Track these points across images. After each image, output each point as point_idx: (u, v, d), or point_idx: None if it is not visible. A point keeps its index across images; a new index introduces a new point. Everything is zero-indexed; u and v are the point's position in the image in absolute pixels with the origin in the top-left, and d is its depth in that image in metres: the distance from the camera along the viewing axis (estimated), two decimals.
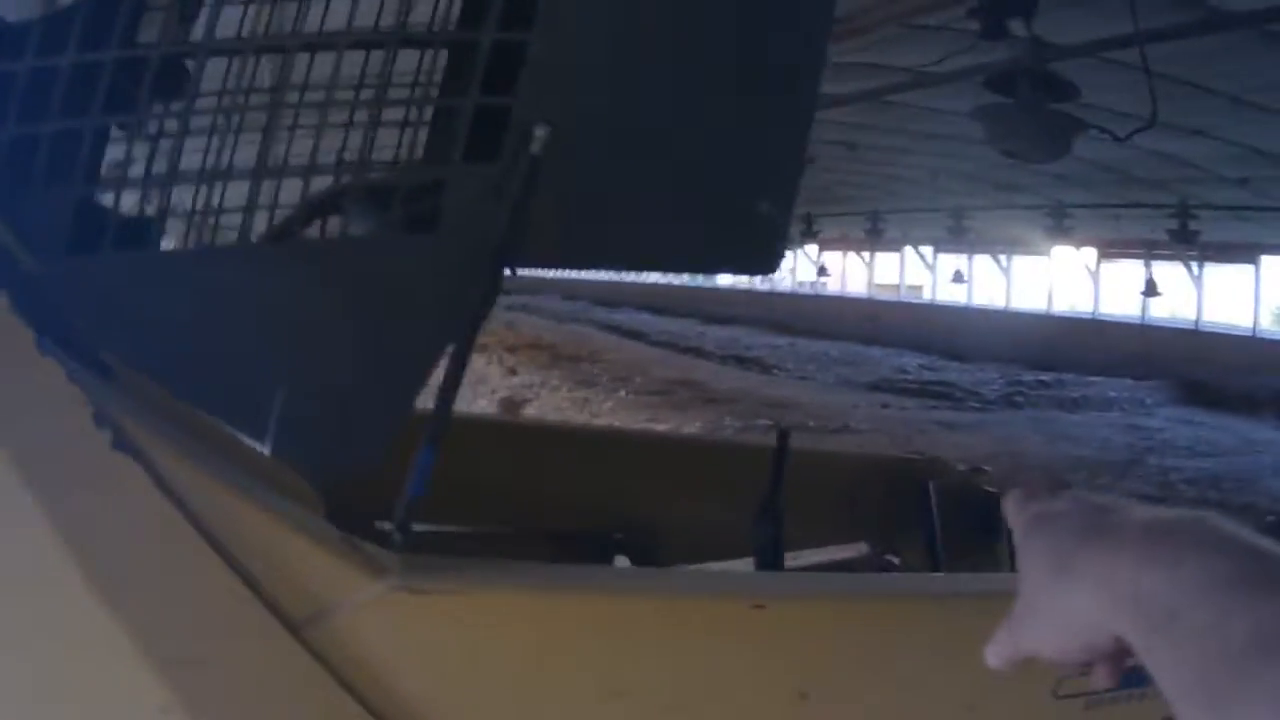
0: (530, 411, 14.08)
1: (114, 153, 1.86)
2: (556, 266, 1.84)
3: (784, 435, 2.88)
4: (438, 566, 1.62)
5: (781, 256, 1.87)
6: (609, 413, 14.29)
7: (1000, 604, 1.01)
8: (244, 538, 1.50)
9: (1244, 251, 20.54)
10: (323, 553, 1.53)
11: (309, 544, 1.53)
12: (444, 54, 2.06)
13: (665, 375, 18.13)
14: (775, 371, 20.27)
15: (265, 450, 1.62)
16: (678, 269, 2.28)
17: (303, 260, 1.81)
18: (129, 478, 1.46)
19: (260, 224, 1.85)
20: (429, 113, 2.12)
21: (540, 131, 1.65)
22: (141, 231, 1.71)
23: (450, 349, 1.70)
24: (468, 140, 1.68)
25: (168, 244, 1.79)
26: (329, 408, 1.68)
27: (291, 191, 1.84)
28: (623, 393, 15.96)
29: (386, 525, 1.68)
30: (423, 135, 2.07)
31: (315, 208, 1.97)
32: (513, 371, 17.42)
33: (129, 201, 1.73)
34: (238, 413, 1.64)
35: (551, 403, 14.95)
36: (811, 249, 31.37)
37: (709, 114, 1.79)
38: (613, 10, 1.74)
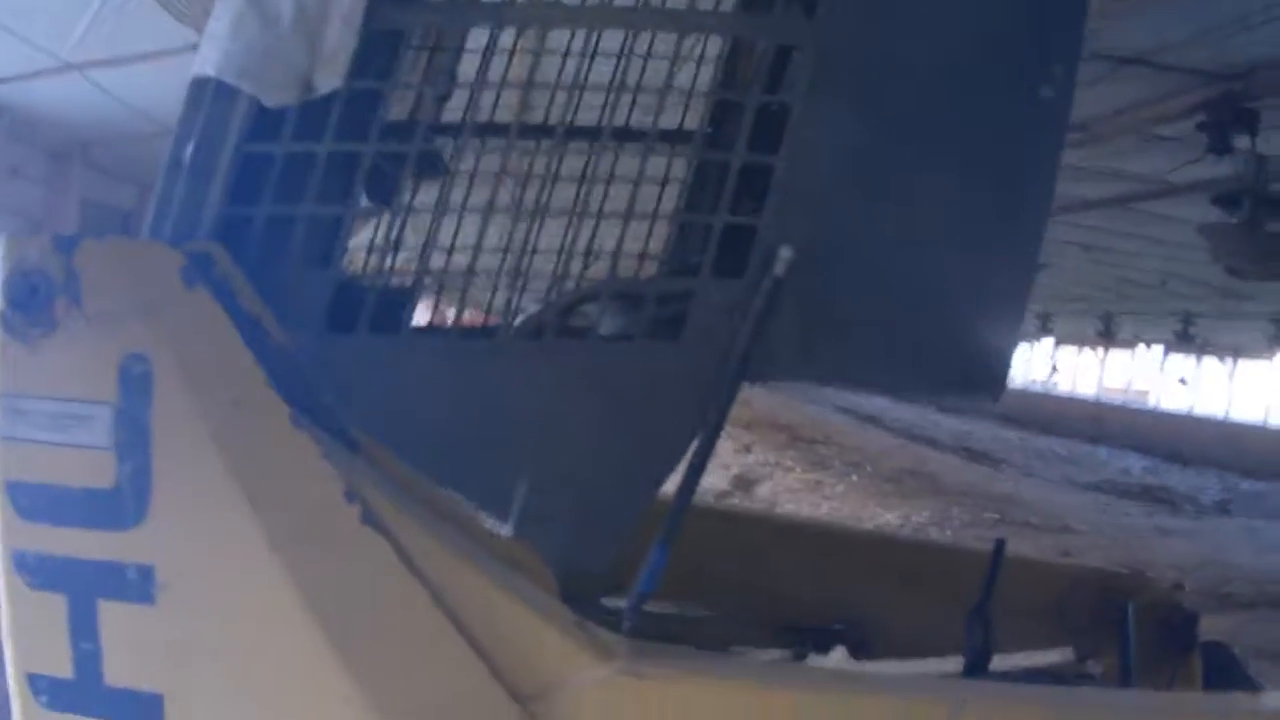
0: (763, 491, 13.79)
1: (365, 232, 1.82)
2: (791, 380, 1.89)
3: (1000, 545, 2.90)
4: (660, 653, 1.65)
5: (1005, 384, 1.88)
6: (840, 497, 13.92)
7: None
8: (479, 612, 1.53)
9: None
10: (555, 632, 1.56)
11: (542, 623, 1.56)
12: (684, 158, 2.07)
13: (897, 464, 17.67)
14: (1003, 466, 19.66)
15: (507, 532, 1.66)
16: (906, 391, 2.21)
17: (553, 356, 1.79)
18: (374, 550, 1.49)
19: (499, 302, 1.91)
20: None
21: (785, 253, 1.68)
22: (394, 311, 1.73)
23: (689, 453, 1.74)
24: (715, 252, 1.71)
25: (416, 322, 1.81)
26: (572, 497, 1.70)
27: (536, 278, 1.90)
28: (854, 478, 15.65)
29: (614, 603, 1.73)
30: (658, 231, 2.02)
31: (567, 306, 1.96)
32: (748, 449, 16.91)
33: (380, 278, 1.76)
34: (481, 494, 1.67)
35: (784, 484, 14.48)
36: (1045, 345, 30.79)
37: (941, 245, 1.81)
38: (856, 140, 1.76)
